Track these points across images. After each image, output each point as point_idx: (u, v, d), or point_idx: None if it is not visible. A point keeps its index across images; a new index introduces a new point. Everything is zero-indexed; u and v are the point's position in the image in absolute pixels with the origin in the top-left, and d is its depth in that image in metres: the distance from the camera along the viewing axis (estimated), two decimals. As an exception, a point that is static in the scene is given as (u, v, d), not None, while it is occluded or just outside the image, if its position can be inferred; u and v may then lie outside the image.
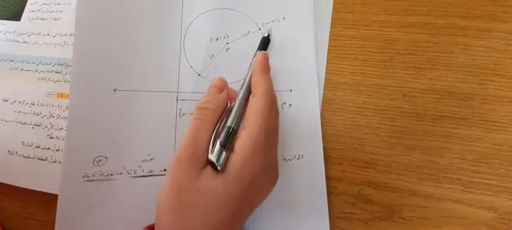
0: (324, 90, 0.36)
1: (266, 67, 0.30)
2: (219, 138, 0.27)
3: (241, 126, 0.28)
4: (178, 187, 0.26)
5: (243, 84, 0.30)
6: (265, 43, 0.35)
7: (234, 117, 0.28)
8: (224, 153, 0.26)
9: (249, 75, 0.30)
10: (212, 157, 0.26)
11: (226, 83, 0.31)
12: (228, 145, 0.26)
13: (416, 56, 0.35)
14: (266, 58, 0.31)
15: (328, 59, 0.36)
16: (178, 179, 0.26)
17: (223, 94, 0.30)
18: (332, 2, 0.38)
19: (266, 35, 0.35)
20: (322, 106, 0.35)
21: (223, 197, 0.25)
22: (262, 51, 0.31)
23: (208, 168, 0.26)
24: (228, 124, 0.27)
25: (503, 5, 0.35)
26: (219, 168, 0.26)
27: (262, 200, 0.29)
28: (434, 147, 0.33)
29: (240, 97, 0.29)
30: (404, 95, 0.34)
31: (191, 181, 0.25)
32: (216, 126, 0.28)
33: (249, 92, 0.29)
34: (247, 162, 0.26)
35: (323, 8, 0.38)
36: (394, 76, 0.35)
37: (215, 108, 0.28)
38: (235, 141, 0.27)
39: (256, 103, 0.28)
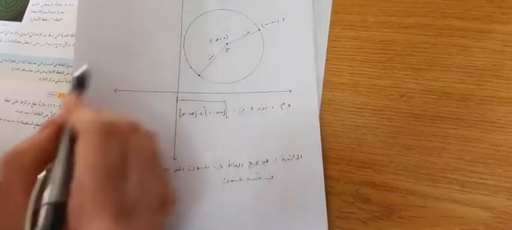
0: (322, 91, 0.36)
1: (79, 103, 0.25)
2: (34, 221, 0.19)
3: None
4: None
5: (58, 151, 0.22)
6: (78, 84, 0.28)
7: (55, 183, 0.20)
8: None
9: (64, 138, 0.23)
10: None
11: (53, 122, 0.23)
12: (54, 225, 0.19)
13: (414, 57, 0.35)
14: (77, 96, 0.25)
15: (327, 60, 0.37)
16: None
17: (45, 133, 0.22)
18: (331, 3, 0.38)
19: (78, 73, 0.29)
20: (321, 106, 0.36)
21: None
22: (70, 94, 0.26)
23: None
24: (47, 200, 0.19)
25: (501, 6, 0.35)
26: None
27: None
28: (432, 147, 0.33)
29: (58, 157, 0.21)
30: (402, 96, 0.35)
31: None
32: (30, 178, 0.20)
33: (67, 145, 0.22)
34: (83, 226, 0.19)
35: (322, 9, 0.38)
36: (393, 77, 0.35)
37: (18, 155, 0.21)
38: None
39: (80, 145, 0.21)
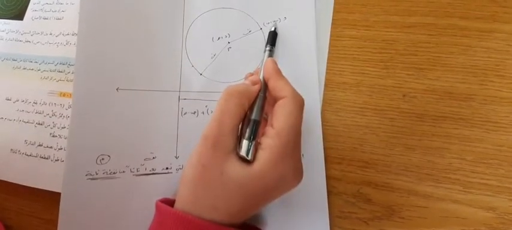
0: (324, 90, 0.36)
1: (279, 71, 0.31)
2: (244, 131, 0.28)
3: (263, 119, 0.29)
4: (202, 165, 0.27)
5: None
6: (273, 37, 0.36)
7: (258, 110, 0.29)
8: (252, 146, 0.27)
9: (261, 73, 0.31)
10: (242, 152, 0.27)
11: (260, 80, 0.31)
12: (253, 137, 0.27)
13: (416, 57, 0.35)
14: (275, 63, 0.31)
15: (328, 59, 0.37)
16: (203, 158, 0.27)
17: (256, 87, 0.30)
18: (333, 2, 0.38)
19: (273, 29, 0.36)
20: (323, 106, 0.35)
21: (246, 190, 0.26)
22: (270, 59, 0.32)
23: (234, 155, 0.27)
24: (253, 117, 0.29)
25: (504, 6, 0.35)
26: (250, 158, 0.27)
27: (282, 195, 0.29)
28: (434, 147, 0.33)
29: (258, 102, 0.30)
30: (404, 95, 0.35)
31: (215, 163, 0.26)
32: (242, 111, 0.28)
33: (265, 86, 0.30)
34: (275, 163, 0.27)
35: (324, 8, 0.38)
36: (395, 77, 0.35)
37: (243, 92, 0.29)
38: (260, 134, 0.28)
39: (286, 105, 0.28)
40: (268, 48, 0.35)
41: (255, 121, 0.28)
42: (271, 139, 0.27)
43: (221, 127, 0.27)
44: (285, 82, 0.30)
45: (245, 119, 0.29)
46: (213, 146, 0.27)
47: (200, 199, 0.26)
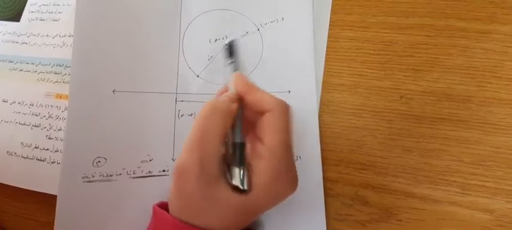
0: (321, 92, 0.36)
1: (253, 84, 0.28)
2: (230, 156, 0.26)
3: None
4: (187, 196, 0.25)
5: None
6: (231, 48, 0.32)
7: (240, 131, 0.27)
8: (245, 174, 0.25)
9: (232, 89, 0.29)
10: (235, 182, 0.25)
11: (236, 97, 0.28)
12: (243, 162, 0.26)
13: (414, 58, 0.35)
14: (245, 76, 0.29)
15: (326, 61, 0.36)
16: (186, 190, 0.24)
17: (235, 105, 0.27)
18: (330, 4, 0.38)
19: (227, 42, 0.33)
20: (320, 107, 0.35)
21: (242, 212, 0.25)
22: (237, 73, 0.30)
23: (223, 181, 0.25)
24: (239, 140, 0.27)
25: (502, 7, 0.35)
26: (244, 188, 0.25)
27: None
28: (432, 149, 0.33)
29: (237, 122, 0.28)
30: (402, 97, 0.34)
31: (202, 191, 0.24)
32: (225, 131, 0.26)
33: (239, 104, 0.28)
34: (271, 185, 0.25)
35: (321, 9, 0.38)
36: (392, 78, 0.35)
37: (226, 110, 0.26)
38: (253, 157, 0.26)
39: (275, 119, 0.26)
40: (229, 62, 0.31)
41: (241, 144, 0.26)
42: (264, 161, 0.25)
43: (204, 150, 0.24)
44: (265, 94, 0.27)
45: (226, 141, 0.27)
46: (195, 176, 0.24)
47: (192, 222, 0.25)
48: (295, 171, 0.28)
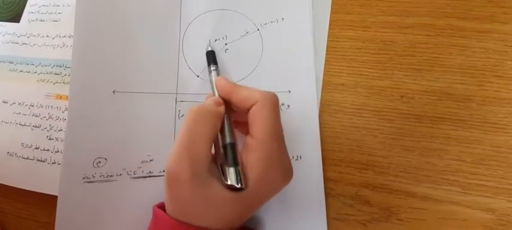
0: (322, 92, 0.36)
1: (234, 83, 0.29)
2: (221, 157, 0.26)
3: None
4: (182, 201, 0.25)
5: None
6: (212, 56, 0.35)
7: (231, 131, 0.27)
8: (240, 172, 0.25)
9: (216, 94, 0.30)
10: (231, 182, 0.25)
11: (221, 100, 0.29)
12: (236, 161, 0.26)
13: (414, 57, 0.35)
14: (226, 78, 0.30)
15: (326, 60, 0.36)
16: (180, 196, 0.24)
17: (222, 108, 0.28)
18: (330, 3, 0.38)
19: (209, 48, 0.35)
20: (320, 107, 0.35)
21: (239, 207, 0.25)
22: (219, 77, 0.31)
23: (216, 181, 0.25)
24: (230, 141, 0.27)
25: (502, 6, 0.35)
26: (241, 186, 0.25)
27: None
28: (433, 149, 0.33)
29: (226, 121, 0.28)
30: (402, 96, 0.34)
31: (196, 195, 0.24)
32: (215, 134, 0.26)
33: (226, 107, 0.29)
34: (265, 177, 0.25)
35: (321, 8, 0.38)
36: (392, 78, 0.35)
37: (215, 113, 0.27)
38: (244, 153, 0.26)
39: (261, 110, 0.26)
40: (212, 69, 0.33)
41: (232, 144, 0.27)
42: (255, 153, 0.25)
43: (194, 155, 0.24)
44: (249, 89, 0.28)
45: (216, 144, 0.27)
46: (188, 181, 0.24)
47: (191, 223, 0.25)
48: (289, 161, 0.28)
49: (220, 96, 0.29)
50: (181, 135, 0.25)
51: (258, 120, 0.26)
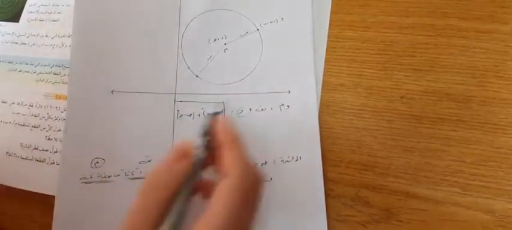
0: (321, 92, 0.36)
1: (237, 140, 0.25)
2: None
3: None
4: None
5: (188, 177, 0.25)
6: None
7: (176, 212, 0.23)
8: None
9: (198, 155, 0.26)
10: None
11: (189, 148, 0.26)
12: None
13: (414, 58, 0.35)
14: (230, 125, 0.26)
15: (326, 61, 0.36)
16: None
17: (183, 164, 0.25)
18: (330, 3, 0.38)
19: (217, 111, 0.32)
20: (320, 108, 0.35)
21: None
22: (226, 119, 0.27)
23: None
24: (171, 220, 0.23)
25: (502, 6, 0.35)
26: None
27: None
28: (433, 149, 0.33)
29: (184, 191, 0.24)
30: (402, 97, 0.34)
31: None
32: (162, 205, 0.23)
33: (195, 174, 0.25)
34: None
35: (321, 9, 0.38)
36: (392, 78, 0.35)
37: (166, 184, 0.24)
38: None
39: (225, 194, 0.23)
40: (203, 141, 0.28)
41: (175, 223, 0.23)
42: (203, 221, 0.22)
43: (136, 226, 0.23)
44: (236, 157, 0.24)
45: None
46: None
47: None
48: None
49: (209, 139, 0.27)
50: (130, 207, 0.24)
51: (217, 201, 0.23)
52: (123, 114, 0.35)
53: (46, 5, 0.42)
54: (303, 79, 0.36)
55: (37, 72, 0.39)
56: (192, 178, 0.25)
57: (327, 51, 0.37)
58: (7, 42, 0.41)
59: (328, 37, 0.37)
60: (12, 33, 0.41)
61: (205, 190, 0.25)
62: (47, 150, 0.36)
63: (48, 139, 0.36)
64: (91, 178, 0.33)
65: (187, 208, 0.24)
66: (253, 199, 0.25)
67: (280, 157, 0.34)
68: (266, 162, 0.34)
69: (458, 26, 0.35)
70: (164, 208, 0.23)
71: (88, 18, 0.36)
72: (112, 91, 0.35)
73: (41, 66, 0.39)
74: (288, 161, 0.34)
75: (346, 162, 0.34)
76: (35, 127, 0.37)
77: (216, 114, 0.30)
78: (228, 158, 0.25)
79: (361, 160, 0.33)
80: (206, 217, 0.22)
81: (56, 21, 0.41)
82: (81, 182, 0.33)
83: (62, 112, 0.37)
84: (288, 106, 0.35)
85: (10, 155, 0.36)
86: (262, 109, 0.35)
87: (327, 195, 0.33)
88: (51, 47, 0.40)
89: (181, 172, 0.24)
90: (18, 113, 0.38)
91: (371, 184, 0.33)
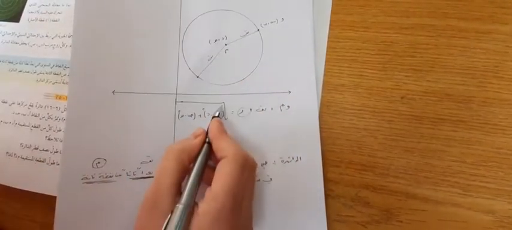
0: (322, 92, 0.36)
1: (223, 131, 0.31)
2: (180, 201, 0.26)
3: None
4: (142, 228, 0.27)
5: (193, 166, 0.29)
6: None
7: (189, 193, 0.27)
8: None
9: (203, 151, 0.30)
10: None
11: (203, 131, 0.31)
12: (181, 223, 0.25)
13: (415, 58, 0.35)
14: (220, 123, 0.32)
15: (326, 61, 0.36)
16: (142, 221, 0.27)
17: (198, 139, 0.30)
18: (331, 4, 0.38)
19: (216, 114, 0.34)
20: (321, 108, 0.35)
21: None
22: (215, 119, 0.32)
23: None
24: (182, 202, 0.26)
25: (502, 6, 0.35)
26: None
27: None
28: (433, 150, 0.33)
29: (194, 171, 0.28)
30: (402, 97, 0.34)
31: (153, 225, 0.26)
32: (182, 168, 0.28)
33: (203, 162, 0.29)
34: (211, 227, 0.25)
35: (322, 9, 0.38)
36: (393, 79, 0.35)
37: (182, 148, 0.29)
38: (199, 199, 0.27)
39: (224, 166, 0.27)
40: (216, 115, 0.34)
41: (181, 208, 0.26)
42: (206, 204, 0.26)
43: (158, 187, 0.27)
44: (228, 142, 0.29)
45: (189, 174, 0.28)
46: (150, 208, 0.26)
47: None
48: (247, 222, 0.29)
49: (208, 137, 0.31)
50: (155, 170, 0.28)
51: (218, 174, 0.27)
52: (125, 115, 0.35)
53: (46, 5, 0.42)
54: (304, 80, 0.36)
55: (37, 72, 0.39)
56: (203, 156, 0.29)
57: (327, 51, 0.37)
58: (7, 42, 0.41)
59: (329, 37, 0.37)
60: (13, 33, 0.41)
61: (208, 177, 0.29)
62: (47, 150, 0.36)
63: (49, 139, 0.36)
64: (92, 178, 0.33)
65: (196, 191, 0.27)
66: (248, 177, 0.28)
67: (281, 158, 0.34)
68: (266, 162, 0.34)
69: (459, 26, 0.35)
70: (184, 173, 0.28)
71: (88, 18, 0.36)
72: (113, 92, 0.35)
73: (41, 66, 0.39)
74: (288, 161, 0.34)
75: (346, 162, 0.34)
76: (35, 127, 0.37)
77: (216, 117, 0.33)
78: (221, 145, 0.29)
79: (361, 161, 0.33)
80: (211, 189, 0.26)
81: (56, 21, 0.41)
82: (83, 183, 0.33)
83: (62, 112, 0.37)
84: (288, 106, 0.35)
85: (10, 155, 0.36)
86: (262, 110, 0.35)
87: (327, 195, 0.33)
88: (52, 47, 0.40)
89: (198, 143, 0.30)
90: (19, 113, 0.38)
91: (371, 184, 0.33)
